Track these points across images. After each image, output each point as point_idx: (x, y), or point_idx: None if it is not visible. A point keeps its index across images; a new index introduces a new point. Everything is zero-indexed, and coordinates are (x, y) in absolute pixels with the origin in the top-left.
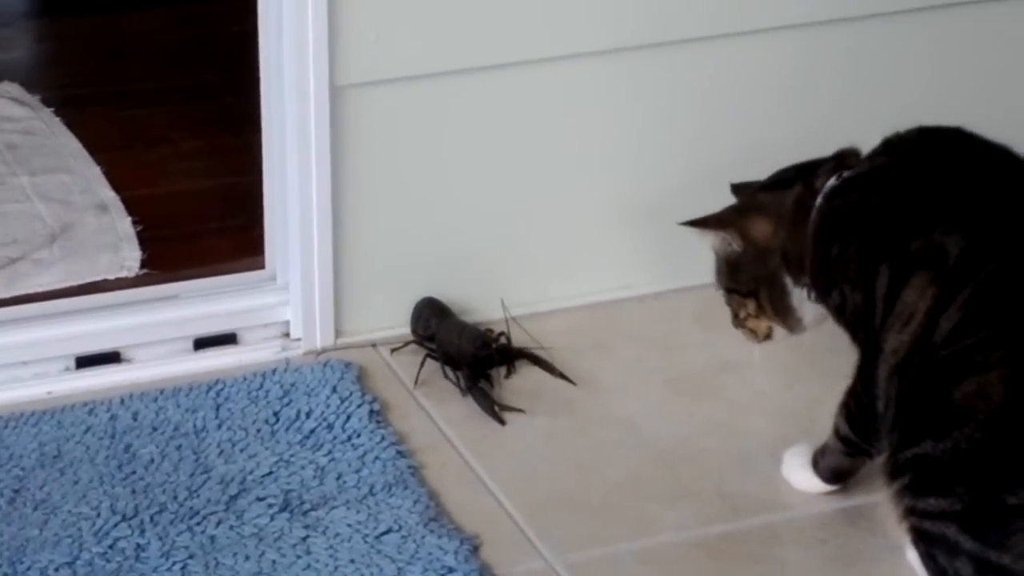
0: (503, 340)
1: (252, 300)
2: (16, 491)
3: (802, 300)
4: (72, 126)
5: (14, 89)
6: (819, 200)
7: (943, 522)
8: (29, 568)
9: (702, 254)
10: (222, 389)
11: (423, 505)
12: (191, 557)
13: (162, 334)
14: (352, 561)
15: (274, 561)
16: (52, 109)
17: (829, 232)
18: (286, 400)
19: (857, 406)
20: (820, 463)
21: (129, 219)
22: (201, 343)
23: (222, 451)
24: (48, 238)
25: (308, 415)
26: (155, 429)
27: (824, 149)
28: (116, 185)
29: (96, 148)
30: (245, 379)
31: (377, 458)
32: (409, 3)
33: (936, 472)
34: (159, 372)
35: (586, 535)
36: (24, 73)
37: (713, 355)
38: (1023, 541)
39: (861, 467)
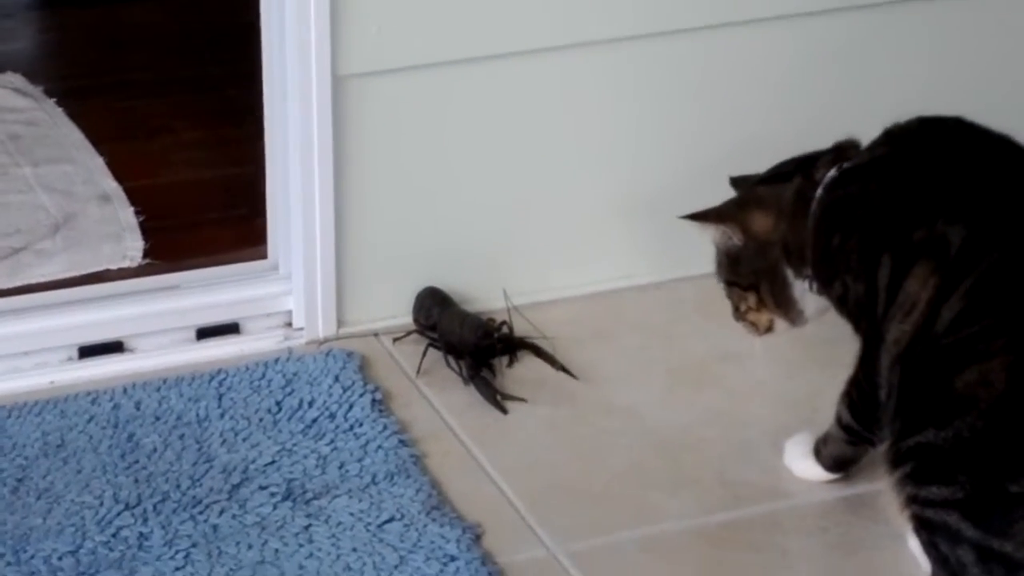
0: (505, 329)
1: (254, 290)
2: (19, 480)
3: (803, 292)
4: (74, 117)
5: (17, 80)
6: (819, 191)
7: (945, 510)
8: (33, 557)
9: (703, 244)
10: (225, 378)
11: (425, 494)
12: (194, 546)
13: (165, 324)
14: (354, 550)
15: (277, 550)
16: (55, 100)
17: (830, 223)
18: (288, 389)
19: (859, 395)
20: (822, 452)
21: (132, 209)
22: (204, 333)
23: (225, 440)
24: (51, 228)
25: (310, 404)
26: (158, 418)
27: (826, 138)
28: (118, 175)
29: (98, 138)
30: (247, 369)
31: (379, 447)
32: None
33: (938, 460)
34: (162, 362)
35: (588, 524)
36: (27, 64)
37: (714, 344)
38: None
39: (863, 456)
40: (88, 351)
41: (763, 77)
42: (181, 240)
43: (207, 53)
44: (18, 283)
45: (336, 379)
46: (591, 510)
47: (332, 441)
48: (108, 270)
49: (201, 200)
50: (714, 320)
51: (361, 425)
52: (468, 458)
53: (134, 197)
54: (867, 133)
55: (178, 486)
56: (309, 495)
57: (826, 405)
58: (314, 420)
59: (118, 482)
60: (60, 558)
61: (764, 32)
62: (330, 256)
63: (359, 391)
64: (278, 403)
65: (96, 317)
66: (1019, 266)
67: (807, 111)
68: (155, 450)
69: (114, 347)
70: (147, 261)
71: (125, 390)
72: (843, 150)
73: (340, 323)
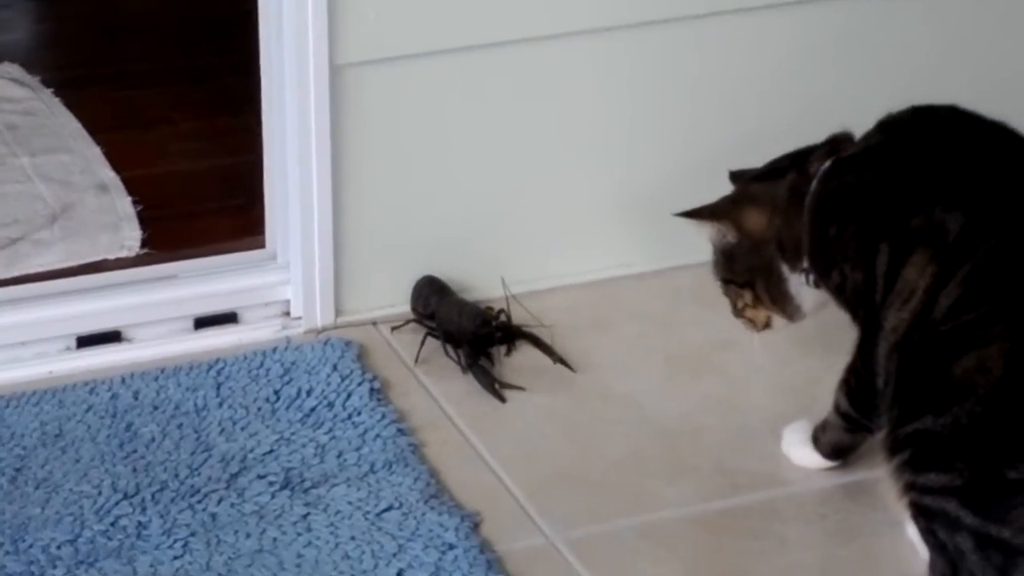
0: (503, 318)
1: (252, 279)
2: (18, 470)
3: (800, 287)
4: (72, 106)
5: (14, 70)
6: (814, 184)
7: (943, 497)
8: (31, 546)
9: (700, 234)
10: (223, 368)
11: (423, 482)
12: (192, 535)
13: (163, 313)
14: (353, 538)
15: (275, 539)
16: (52, 89)
17: (827, 213)
18: (287, 379)
19: (857, 382)
20: (821, 439)
21: (129, 199)
22: (201, 322)
23: (223, 429)
24: (48, 218)
25: (309, 393)
26: (156, 408)
27: (823, 127)
28: (116, 165)
29: (96, 128)
30: (246, 358)
31: (378, 436)
32: None
33: (936, 447)
34: (160, 351)
35: (586, 511)
36: (24, 54)
37: (712, 332)
38: (1023, 515)
39: (862, 443)
40: (86, 341)
41: (760, 66)
42: (179, 230)
43: (205, 42)
44: (16, 273)
45: (334, 368)
46: (589, 498)
47: (330, 430)
48: (106, 260)
49: (199, 190)
50: (712, 308)
51: (359, 414)
52: (466, 446)
53: (132, 187)
54: (864, 123)
55: (176, 475)
56: (307, 484)
57: (824, 393)
58: (312, 409)
59: (116, 471)
60: (59, 547)
61: (761, 20)
62: (328, 245)
63: (357, 380)
64: (276, 392)
65: (94, 307)
66: (1016, 253)
67: (805, 100)
68: (153, 439)
69: (112, 337)
70: (145, 251)
71: (123, 380)
72: (837, 143)
73: (338, 312)
